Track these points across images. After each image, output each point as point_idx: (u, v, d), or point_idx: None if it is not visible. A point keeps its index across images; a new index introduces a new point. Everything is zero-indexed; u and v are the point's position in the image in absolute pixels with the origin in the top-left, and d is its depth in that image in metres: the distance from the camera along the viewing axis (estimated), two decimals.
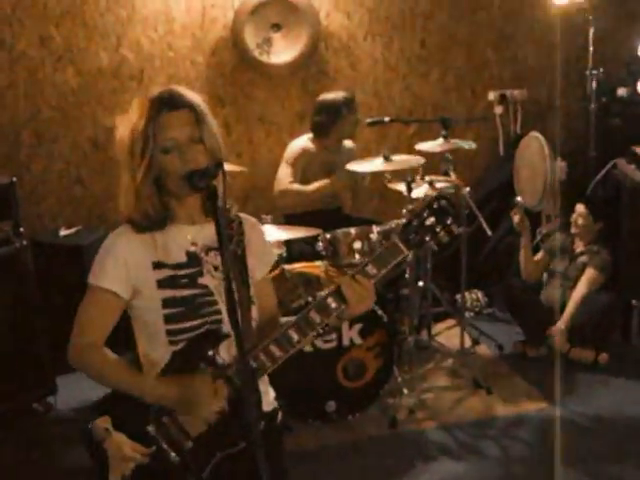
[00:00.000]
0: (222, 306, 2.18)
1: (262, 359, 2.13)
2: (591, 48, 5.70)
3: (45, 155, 5.59)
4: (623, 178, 5.30)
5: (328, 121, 5.11)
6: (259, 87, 5.87)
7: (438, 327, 5.38)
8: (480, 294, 5.78)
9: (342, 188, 5.21)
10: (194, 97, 2.19)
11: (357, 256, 4.49)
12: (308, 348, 4.18)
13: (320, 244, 4.59)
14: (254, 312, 2.25)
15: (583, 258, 5.09)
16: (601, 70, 5.79)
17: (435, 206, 2.15)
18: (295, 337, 2.13)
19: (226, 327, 2.17)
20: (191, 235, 2.23)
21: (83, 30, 5.48)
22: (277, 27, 5.69)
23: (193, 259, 2.21)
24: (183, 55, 5.70)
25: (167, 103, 2.13)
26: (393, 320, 4.77)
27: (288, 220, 5.08)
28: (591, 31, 5.67)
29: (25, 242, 4.54)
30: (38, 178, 5.60)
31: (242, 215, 2.35)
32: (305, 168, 5.15)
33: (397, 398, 4.49)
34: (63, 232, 5.30)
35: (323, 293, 2.16)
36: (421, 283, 5.07)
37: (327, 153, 5.20)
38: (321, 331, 2.16)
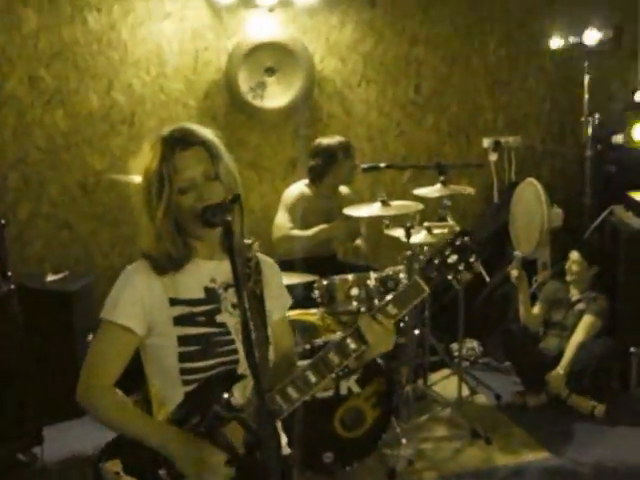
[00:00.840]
0: (239, 345, 2.16)
1: (278, 401, 2.10)
2: (586, 94, 5.78)
3: (33, 198, 5.56)
4: (620, 225, 5.35)
5: (324, 166, 5.13)
6: (252, 132, 5.91)
7: (434, 377, 5.36)
8: (475, 343, 5.78)
9: (342, 234, 5.23)
10: (206, 133, 2.20)
11: (354, 303, 4.48)
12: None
13: (316, 291, 4.59)
14: (271, 353, 2.23)
15: (580, 305, 5.13)
16: (597, 117, 5.87)
17: (458, 243, 2.14)
18: (313, 379, 2.11)
19: (241, 368, 2.15)
20: (210, 271, 2.22)
21: (74, 72, 5.50)
22: (271, 71, 5.75)
23: (211, 296, 2.20)
24: (175, 98, 5.73)
25: (180, 142, 2.14)
26: (390, 369, 4.75)
27: (282, 266, 5.06)
28: (586, 77, 5.76)
29: (12, 286, 4.49)
30: (25, 221, 5.57)
31: (260, 255, 2.35)
32: (303, 214, 5.17)
33: (395, 448, 4.45)
34: (50, 277, 5.25)
35: (342, 334, 2.14)
36: (417, 331, 5.07)
37: (324, 199, 5.22)
38: (340, 373, 2.15)
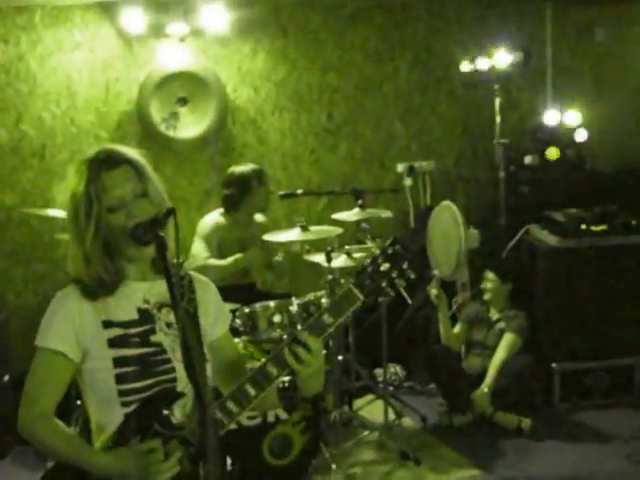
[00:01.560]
0: (176, 364, 2.18)
1: (219, 416, 2.12)
2: (498, 117, 5.94)
3: None
4: (537, 243, 5.52)
5: (238, 194, 5.17)
6: (165, 163, 5.91)
7: (359, 402, 5.41)
8: (398, 368, 5.86)
9: (258, 262, 5.26)
10: (132, 152, 2.24)
11: (277, 330, 4.51)
12: (232, 425, 4.14)
13: (237, 320, 4.60)
14: (209, 370, 2.25)
15: (500, 324, 5.27)
16: (508, 139, 6.03)
17: (390, 251, 2.18)
18: (252, 392, 2.14)
19: (180, 386, 2.17)
20: (143, 292, 2.24)
21: None
22: (183, 101, 5.79)
23: (145, 317, 2.22)
24: (86, 130, 5.72)
25: (106, 162, 2.16)
26: (316, 395, 4.79)
27: None
28: (497, 100, 5.92)
29: None
30: None
31: (193, 273, 2.37)
32: (219, 243, 5.19)
33: (326, 474, 4.46)
34: None
35: (280, 345, 2.18)
36: (341, 357, 5.11)
37: (239, 227, 5.26)
38: (280, 385, 2.19)
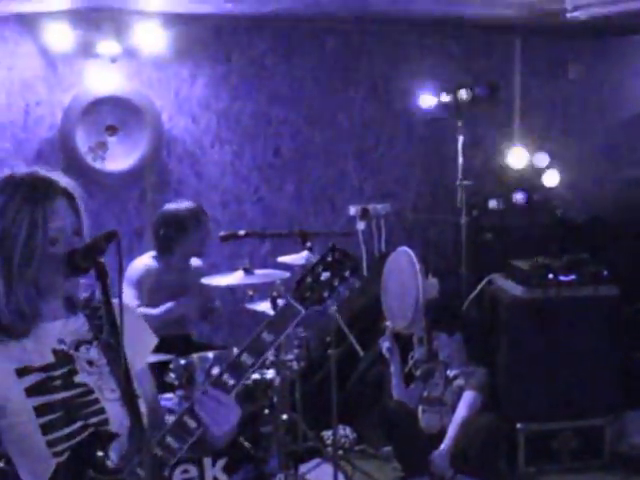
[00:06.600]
0: (105, 404, 2.21)
1: (159, 453, 2.15)
2: (460, 157, 6.06)
3: None
4: (500, 293, 5.65)
5: (173, 236, 5.18)
6: (91, 197, 5.77)
7: (307, 465, 5.47)
8: (348, 430, 5.94)
9: (194, 311, 5.31)
10: (67, 182, 2.27)
11: None
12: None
13: (172, 373, 4.65)
14: (142, 406, 2.25)
15: (458, 381, 5.36)
16: (471, 181, 6.15)
17: (329, 259, 2.25)
18: (193, 424, 2.17)
19: (113, 426, 2.19)
20: (57, 333, 2.25)
21: None
22: (113, 130, 5.81)
23: (62, 358, 2.23)
24: (1, 159, 5.68)
25: (44, 192, 2.19)
26: (258, 457, 4.85)
27: None
28: (460, 138, 6.05)
29: None
30: None
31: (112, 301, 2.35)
32: (150, 290, 5.19)
33: None
34: None
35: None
36: (285, 416, 5.19)
37: (173, 272, 5.26)
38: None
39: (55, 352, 2.24)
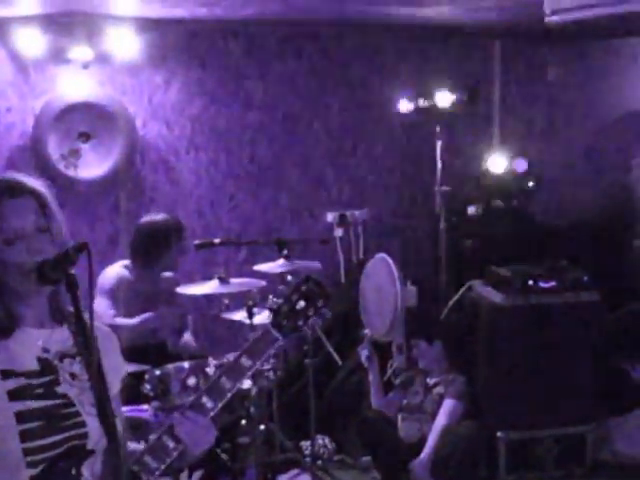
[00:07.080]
0: (86, 417, 2.18)
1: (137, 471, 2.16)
2: (439, 162, 6.05)
3: None
4: (480, 300, 5.64)
5: (154, 250, 5.16)
6: (64, 206, 5.71)
7: (285, 477, 5.45)
8: (327, 440, 5.93)
9: (168, 323, 5.28)
10: (35, 183, 2.25)
11: (192, 394, 4.53)
12: None
13: (147, 384, 4.61)
14: (119, 425, 2.23)
15: (438, 389, 5.35)
16: (449, 187, 6.13)
17: (304, 288, 2.37)
18: (171, 444, 2.23)
19: (91, 442, 2.18)
20: (42, 340, 2.23)
21: None
22: (86, 136, 5.78)
23: (46, 367, 2.21)
24: None
25: (7, 190, 2.17)
26: (235, 470, 4.83)
27: None
28: (439, 143, 6.03)
29: None
30: None
31: (95, 323, 2.39)
32: (124, 299, 5.15)
33: None
34: None
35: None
36: (263, 427, 5.16)
37: (146, 281, 5.22)
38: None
39: (39, 360, 2.22)
